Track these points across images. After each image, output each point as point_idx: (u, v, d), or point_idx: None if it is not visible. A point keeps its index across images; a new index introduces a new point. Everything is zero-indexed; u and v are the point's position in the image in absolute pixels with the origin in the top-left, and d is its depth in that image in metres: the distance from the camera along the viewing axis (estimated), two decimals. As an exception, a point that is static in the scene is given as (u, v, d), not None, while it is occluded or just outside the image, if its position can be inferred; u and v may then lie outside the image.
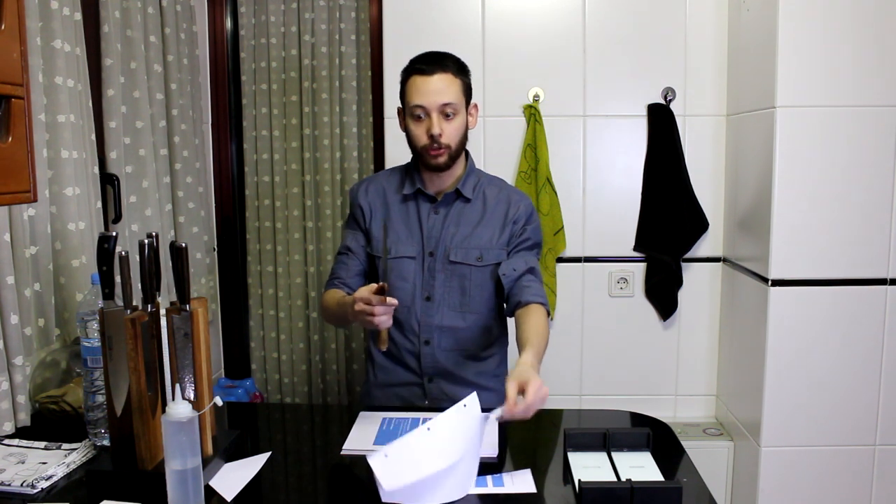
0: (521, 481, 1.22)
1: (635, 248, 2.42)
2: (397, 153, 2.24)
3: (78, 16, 1.72)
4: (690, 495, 1.18)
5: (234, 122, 2.66)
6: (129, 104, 2.00)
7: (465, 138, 1.63)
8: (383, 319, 1.37)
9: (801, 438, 2.09)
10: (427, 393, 1.68)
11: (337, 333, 2.68)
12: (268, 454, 1.35)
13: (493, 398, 1.69)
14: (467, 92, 1.62)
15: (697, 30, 2.33)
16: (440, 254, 1.64)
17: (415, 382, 1.69)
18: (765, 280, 2.05)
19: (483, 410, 1.35)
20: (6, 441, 1.42)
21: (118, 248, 1.27)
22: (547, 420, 1.54)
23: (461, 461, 1.16)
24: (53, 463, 1.30)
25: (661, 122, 2.33)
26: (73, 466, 1.29)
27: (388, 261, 1.66)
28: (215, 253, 2.65)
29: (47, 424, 1.52)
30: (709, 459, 2.26)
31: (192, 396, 1.25)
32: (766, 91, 2.02)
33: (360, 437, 1.42)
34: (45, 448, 1.38)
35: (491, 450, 1.33)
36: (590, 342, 2.46)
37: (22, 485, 1.21)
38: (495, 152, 2.38)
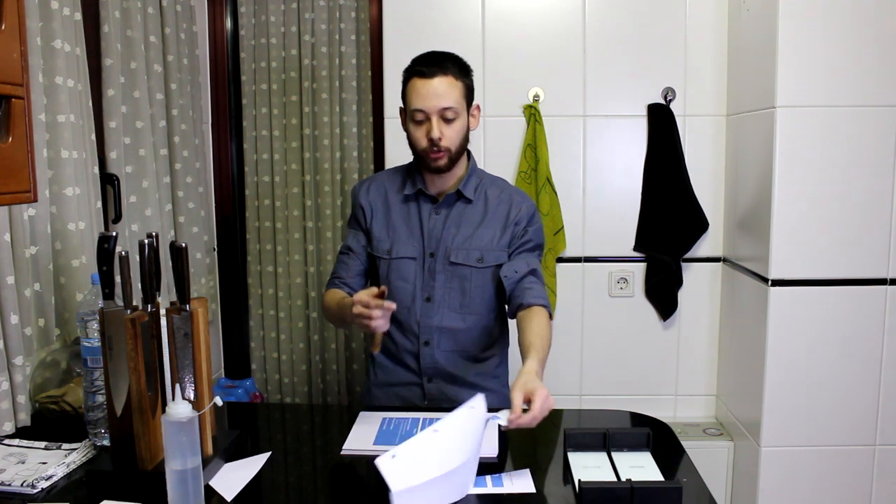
0: (520, 481, 1.22)
1: (635, 248, 2.42)
2: (397, 153, 2.24)
3: (78, 16, 1.72)
4: (690, 495, 1.18)
5: (234, 122, 2.66)
6: (129, 104, 2.00)
7: (466, 140, 1.63)
8: (380, 323, 1.38)
9: (801, 438, 2.09)
10: (426, 393, 1.68)
11: (337, 333, 2.68)
12: (268, 454, 1.35)
13: (492, 399, 1.69)
14: (469, 94, 1.61)
15: (697, 30, 2.33)
16: (441, 255, 1.64)
17: (414, 382, 1.69)
18: (765, 280, 2.05)
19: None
20: (6, 441, 1.42)
21: (118, 248, 1.27)
22: (547, 420, 1.52)
23: (465, 463, 1.17)
24: (53, 463, 1.30)
25: (661, 122, 2.33)
26: (73, 466, 1.29)
27: (389, 260, 1.66)
28: (215, 253, 2.65)
29: (47, 424, 1.52)
30: (709, 459, 2.26)
31: (192, 396, 1.25)
32: (766, 91, 2.02)
33: (360, 437, 1.42)
34: (46, 448, 1.38)
35: (491, 450, 1.33)
36: (590, 342, 2.46)
37: (22, 485, 1.21)
38: (495, 152, 2.38)
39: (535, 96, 2.35)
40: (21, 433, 1.47)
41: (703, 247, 2.42)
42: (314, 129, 2.60)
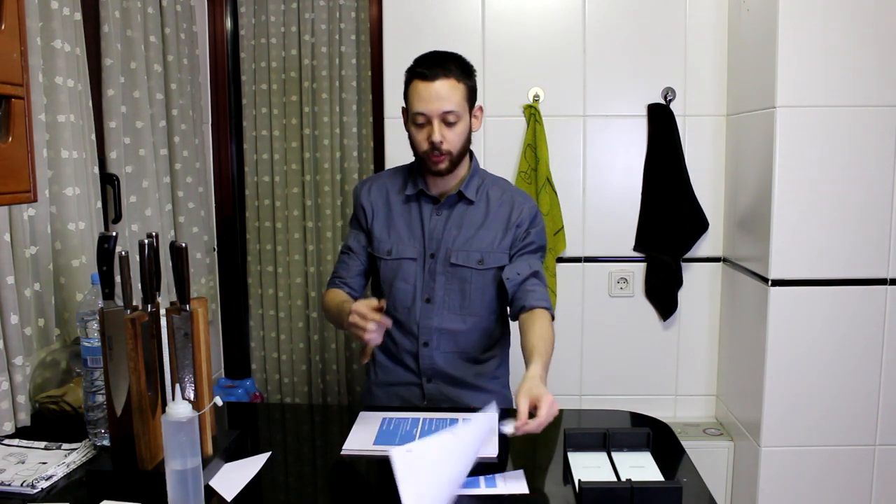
0: (513, 483, 1.22)
1: (635, 248, 2.42)
2: (397, 153, 2.24)
3: (78, 16, 1.72)
4: (690, 495, 1.18)
5: (234, 122, 2.66)
6: (129, 104, 2.00)
7: (467, 142, 1.61)
8: (373, 336, 1.38)
9: (800, 438, 2.09)
10: (426, 394, 1.68)
11: (337, 333, 2.68)
12: (268, 454, 1.35)
13: (491, 400, 1.69)
14: (471, 96, 1.59)
15: (697, 30, 2.33)
16: (441, 256, 1.64)
17: (413, 383, 1.69)
18: (765, 280, 2.05)
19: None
20: (6, 441, 1.42)
21: (118, 248, 1.27)
22: (547, 420, 1.54)
23: (467, 468, 1.17)
24: (53, 463, 1.30)
25: (661, 122, 2.33)
26: (73, 466, 1.29)
27: (390, 261, 1.66)
28: (215, 253, 2.65)
29: (47, 424, 1.52)
30: (709, 459, 2.26)
31: (192, 396, 1.25)
32: (766, 91, 2.02)
33: (360, 437, 1.42)
34: (45, 448, 1.38)
35: (491, 450, 1.33)
36: (590, 342, 2.46)
37: (22, 485, 1.21)
38: (495, 152, 2.38)
39: (535, 96, 2.35)
40: (21, 433, 1.47)
41: (703, 247, 2.42)
42: (314, 129, 2.60)
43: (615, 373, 2.47)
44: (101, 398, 1.35)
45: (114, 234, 1.26)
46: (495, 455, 1.32)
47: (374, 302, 1.40)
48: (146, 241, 1.23)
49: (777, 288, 2.03)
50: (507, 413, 1.28)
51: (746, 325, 2.22)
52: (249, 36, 2.61)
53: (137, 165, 2.03)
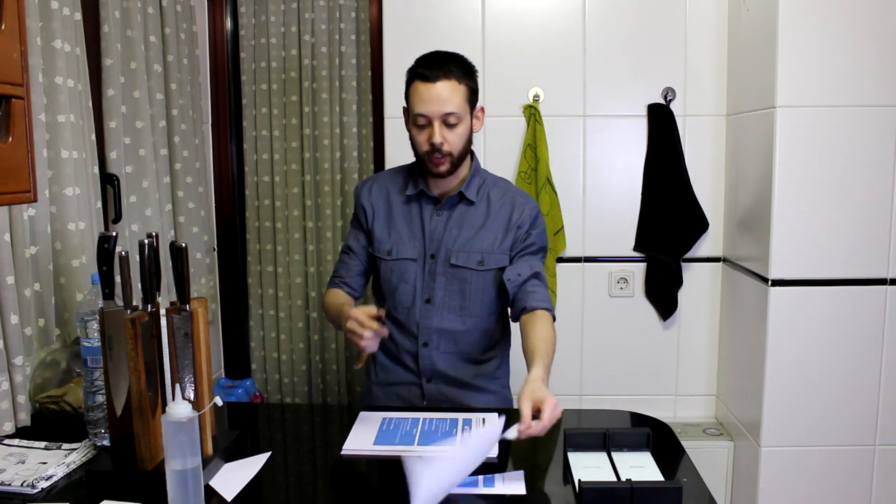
0: (511, 483, 1.21)
1: (635, 248, 2.42)
2: (397, 153, 2.24)
3: (78, 16, 1.72)
4: (690, 495, 1.18)
5: (234, 122, 2.66)
6: (129, 104, 2.00)
7: (469, 143, 1.60)
8: (369, 344, 1.39)
9: (800, 438, 2.09)
10: (425, 393, 1.68)
11: (337, 334, 2.68)
12: (268, 454, 1.35)
13: (491, 400, 1.70)
14: (472, 97, 1.58)
15: (697, 30, 2.33)
16: (441, 256, 1.63)
17: (413, 382, 1.69)
18: (765, 280, 2.05)
19: (482, 411, 1.35)
20: (6, 441, 1.42)
21: (118, 248, 1.27)
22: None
23: (468, 472, 1.18)
24: (53, 463, 1.30)
25: (661, 122, 2.33)
26: (73, 466, 1.29)
27: (390, 261, 1.66)
28: (215, 253, 2.65)
29: (47, 424, 1.52)
30: (709, 459, 2.26)
31: (192, 396, 1.25)
32: (766, 91, 2.02)
33: (360, 437, 1.42)
34: (45, 448, 1.38)
35: (492, 450, 1.32)
36: (590, 342, 2.46)
37: (22, 485, 1.21)
38: (495, 152, 2.38)
39: (535, 96, 2.35)
40: (21, 433, 1.47)
41: (703, 247, 2.42)
42: (314, 129, 2.60)
43: (615, 373, 2.47)
44: (101, 398, 1.35)
45: (114, 234, 1.26)
46: (496, 455, 1.32)
47: (372, 310, 1.40)
48: (146, 241, 1.23)
49: (777, 288, 2.03)
50: (509, 415, 1.27)
51: (746, 325, 2.22)
52: (249, 36, 2.61)
53: (137, 165, 2.03)
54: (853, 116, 1.97)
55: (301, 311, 2.69)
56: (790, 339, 2.05)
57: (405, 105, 1.62)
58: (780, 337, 2.05)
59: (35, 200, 1.17)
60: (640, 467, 1.26)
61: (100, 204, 1.83)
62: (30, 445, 1.39)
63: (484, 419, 1.49)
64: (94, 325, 1.33)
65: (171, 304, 1.27)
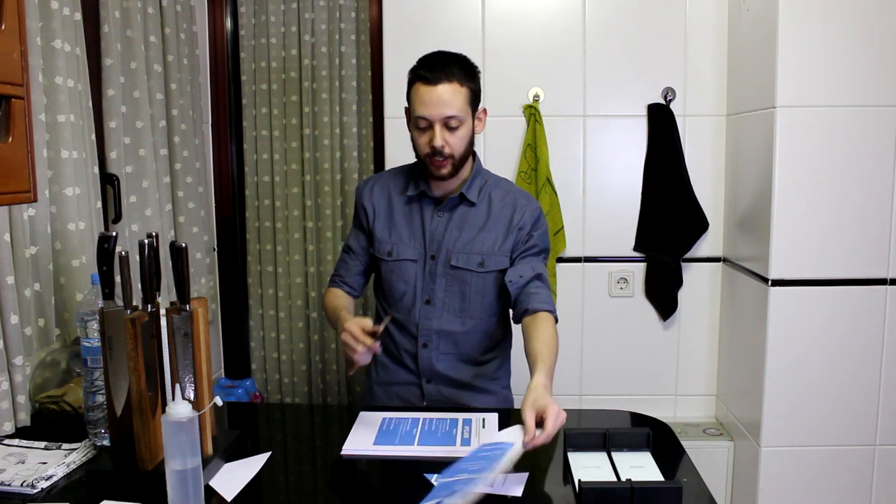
0: (511, 484, 1.21)
1: (635, 248, 2.42)
2: (397, 153, 2.24)
3: (78, 16, 1.72)
4: (690, 495, 1.18)
5: (234, 122, 2.66)
6: (129, 104, 2.00)
7: (470, 145, 1.59)
8: (362, 357, 1.39)
9: (800, 438, 2.09)
10: (425, 394, 1.68)
11: (337, 334, 2.67)
12: (268, 454, 1.35)
13: (491, 401, 1.70)
14: (474, 99, 1.56)
15: (697, 30, 2.33)
16: (442, 258, 1.63)
17: (413, 383, 1.69)
18: (765, 280, 2.05)
19: (482, 411, 1.34)
20: (6, 441, 1.42)
21: (118, 248, 1.27)
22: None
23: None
24: (53, 463, 1.30)
25: (661, 122, 2.33)
26: (73, 466, 1.29)
27: (390, 262, 1.66)
28: (215, 253, 2.65)
29: (47, 424, 1.52)
30: (709, 459, 2.26)
31: (192, 396, 1.25)
32: (766, 91, 2.02)
33: (360, 437, 1.42)
34: (45, 448, 1.38)
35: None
36: (590, 342, 2.46)
37: (22, 485, 1.21)
38: (495, 152, 2.38)
39: (535, 96, 2.35)
40: (21, 433, 1.47)
41: (703, 247, 2.42)
42: (314, 129, 2.60)
43: (615, 373, 2.47)
44: (101, 398, 1.35)
45: (114, 234, 1.26)
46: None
47: (367, 323, 1.40)
48: (146, 241, 1.23)
49: (777, 288, 2.03)
50: (510, 416, 1.27)
51: (746, 325, 2.22)
52: (249, 36, 2.61)
53: (137, 165, 2.03)
54: (853, 116, 1.97)
55: (301, 311, 2.69)
56: (790, 339, 2.05)
57: (407, 105, 1.60)
58: (780, 337, 2.05)
59: (35, 200, 1.17)
60: (640, 467, 1.26)
61: (100, 204, 1.83)
62: (30, 445, 1.39)
63: (484, 420, 1.49)
64: (94, 325, 1.33)
65: (171, 304, 1.27)
